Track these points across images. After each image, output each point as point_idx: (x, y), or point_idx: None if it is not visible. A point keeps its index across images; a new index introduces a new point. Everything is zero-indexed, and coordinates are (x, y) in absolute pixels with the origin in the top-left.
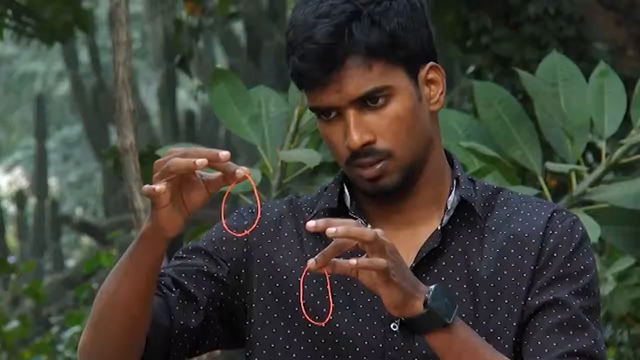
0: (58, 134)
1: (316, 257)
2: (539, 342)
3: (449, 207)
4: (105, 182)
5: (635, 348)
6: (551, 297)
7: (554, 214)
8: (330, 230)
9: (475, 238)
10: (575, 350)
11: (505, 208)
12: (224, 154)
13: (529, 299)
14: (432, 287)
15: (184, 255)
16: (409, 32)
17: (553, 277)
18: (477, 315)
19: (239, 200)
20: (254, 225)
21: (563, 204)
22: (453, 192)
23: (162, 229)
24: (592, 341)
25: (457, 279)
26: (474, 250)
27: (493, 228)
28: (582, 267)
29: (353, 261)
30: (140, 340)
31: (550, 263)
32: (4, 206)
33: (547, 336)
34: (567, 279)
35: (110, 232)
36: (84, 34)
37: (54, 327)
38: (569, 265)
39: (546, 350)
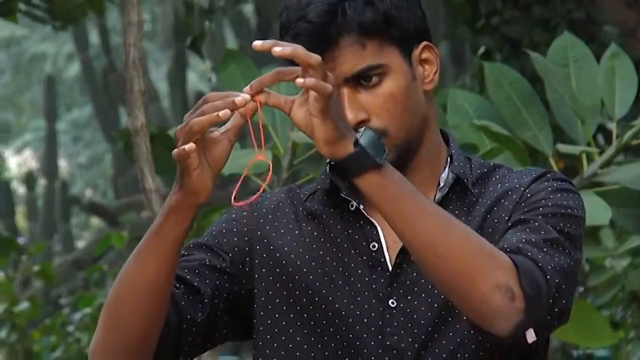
0: (68, 116)
1: (252, 82)
2: (499, 241)
3: (441, 184)
4: (114, 164)
5: None
6: (521, 217)
7: (543, 173)
8: (277, 49)
9: (465, 209)
10: (533, 240)
11: (499, 185)
12: (239, 99)
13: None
14: (362, 129)
15: (186, 253)
16: (403, 11)
17: (527, 209)
18: None
19: (250, 182)
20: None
21: None
22: (446, 169)
23: (194, 194)
24: (553, 243)
25: None
26: (462, 219)
27: (484, 200)
28: (558, 203)
29: (300, 80)
30: (157, 332)
31: (523, 204)
32: (13, 187)
33: (508, 235)
34: (541, 208)
35: (119, 213)
36: (96, 16)
37: (64, 309)
38: (544, 201)
39: (506, 238)
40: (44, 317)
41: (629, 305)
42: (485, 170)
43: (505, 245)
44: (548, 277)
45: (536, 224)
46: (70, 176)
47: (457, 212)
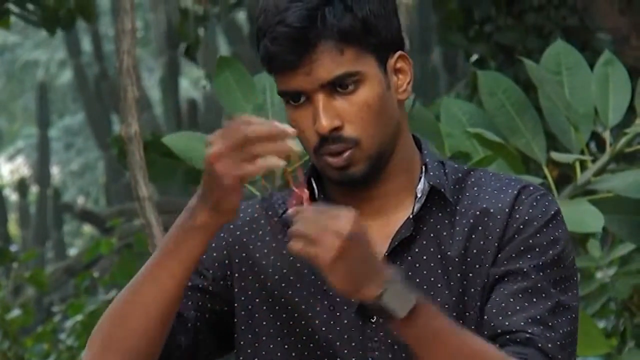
0: (60, 123)
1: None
2: (503, 304)
3: (419, 195)
4: (107, 171)
5: (638, 337)
6: (516, 266)
7: (522, 190)
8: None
9: (446, 222)
10: (538, 317)
11: (475, 189)
12: (292, 130)
13: (494, 268)
14: (391, 279)
15: None
16: (380, 20)
17: (522, 248)
18: (453, 298)
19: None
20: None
21: (567, 193)
22: (422, 178)
23: (229, 214)
24: (557, 301)
25: (432, 264)
26: (445, 234)
27: (463, 210)
28: (551, 238)
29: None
30: (158, 354)
31: (516, 236)
32: (6, 194)
33: (511, 299)
34: (537, 249)
35: (111, 220)
36: (87, 22)
37: (56, 316)
38: (538, 235)
39: (509, 313)
40: (36, 325)
41: (620, 314)
42: (460, 175)
43: (513, 328)
44: None
45: (538, 284)
46: (63, 183)
47: (438, 225)
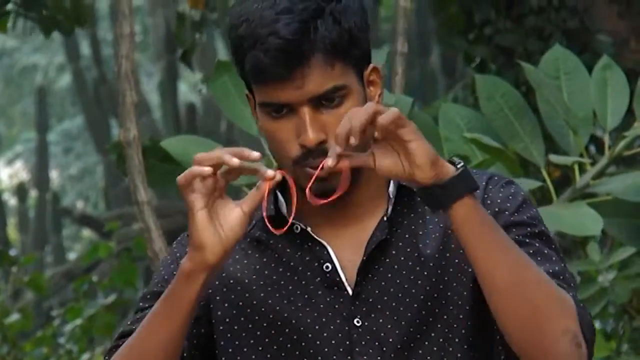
0: (59, 127)
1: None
2: None
3: (391, 197)
4: (106, 175)
5: (637, 340)
6: (516, 238)
7: (489, 180)
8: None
9: (420, 221)
10: (551, 271)
11: None
12: (255, 154)
13: None
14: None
15: (147, 306)
16: (362, 32)
17: (506, 226)
18: (434, 295)
19: (241, 194)
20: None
21: (566, 197)
22: (392, 181)
23: (200, 249)
24: (563, 265)
25: (410, 263)
26: (420, 233)
27: None
28: (529, 215)
29: (380, 121)
30: None
31: (501, 216)
32: (5, 199)
33: None
34: (520, 225)
35: (110, 224)
36: (82, 28)
37: (55, 320)
38: (516, 214)
39: None
40: (35, 329)
41: (620, 317)
42: None
43: None
44: (590, 314)
45: (536, 245)
46: (62, 188)
47: (412, 226)
